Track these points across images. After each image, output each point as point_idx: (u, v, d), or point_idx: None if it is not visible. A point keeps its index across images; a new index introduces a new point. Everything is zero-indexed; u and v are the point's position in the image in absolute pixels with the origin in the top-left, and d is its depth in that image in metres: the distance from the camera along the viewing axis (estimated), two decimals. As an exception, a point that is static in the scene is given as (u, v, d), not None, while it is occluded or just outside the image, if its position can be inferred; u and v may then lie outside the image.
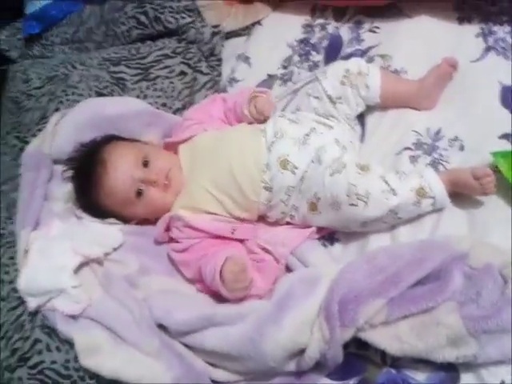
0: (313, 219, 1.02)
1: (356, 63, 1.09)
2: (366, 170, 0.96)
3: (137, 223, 1.10)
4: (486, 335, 0.79)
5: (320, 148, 1.01)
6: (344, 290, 0.86)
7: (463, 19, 1.15)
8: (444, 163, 1.03)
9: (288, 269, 1.02)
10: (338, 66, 1.11)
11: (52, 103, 1.31)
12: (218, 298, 1.00)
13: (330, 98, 1.09)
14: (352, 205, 0.93)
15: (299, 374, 0.91)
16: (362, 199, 0.93)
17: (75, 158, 1.11)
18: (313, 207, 1.00)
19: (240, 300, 0.96)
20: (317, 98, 1.11)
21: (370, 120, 1.14)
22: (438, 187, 0.94)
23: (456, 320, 0.80)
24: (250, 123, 1.11)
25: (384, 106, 1.12)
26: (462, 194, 0.96)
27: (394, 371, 0.86)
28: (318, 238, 1.06)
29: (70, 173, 1.10)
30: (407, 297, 0.84)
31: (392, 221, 0.97)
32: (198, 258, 1.01)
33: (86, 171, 1.06)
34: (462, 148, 1.03)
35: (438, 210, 0.96)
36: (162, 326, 0.96)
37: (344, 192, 0.94)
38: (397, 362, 0.86)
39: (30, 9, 1.53)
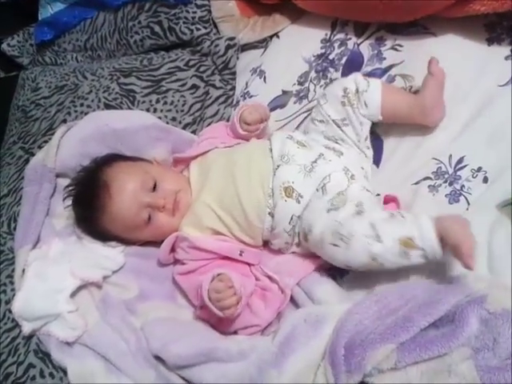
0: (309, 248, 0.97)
1: (353, 80, 1.02)
2: (360, 214, 0.88)
3: (140, 244, 1.06)
4: (501, 388, 0.72)
5: (326, 177, 0.95)
6: (351, 332, 0.81)
7: (493, 40, 1.07)
8: (466, 194, 0.96)
9: (292, 299, 0.97)
10: (337, 87, 1.04)
11: (60, 114, 1.29)
12: (218, 324, 0.96)
13: (334, 121, 1.03)
14: (334, 245, 0.87)
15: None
16: (344, 240, 0.86)
17: (76, 182, 1.07)
18: (305, 237, 0.95)
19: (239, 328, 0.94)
20: (322, 121, 1.05)
21: (388, 143, 1.08)
22: (429, 239, 0.81)
23: (470, 369, 0.74)
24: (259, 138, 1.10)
25: (388, 122, 1.05)
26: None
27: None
28: (328, 269, 1.00)
29: (70, 198, 1.06)
30: (418, 341, 0.78)
31: (376, 268, 0.87)
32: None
33: (88, 196, 1.01)
34: (485, 180, 0.96)
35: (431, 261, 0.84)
36: (159, 357, 0.92)
37: (330, 230, 0.88)
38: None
39: (43, 14, 1.50)
